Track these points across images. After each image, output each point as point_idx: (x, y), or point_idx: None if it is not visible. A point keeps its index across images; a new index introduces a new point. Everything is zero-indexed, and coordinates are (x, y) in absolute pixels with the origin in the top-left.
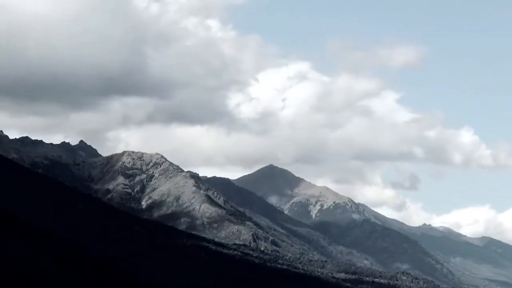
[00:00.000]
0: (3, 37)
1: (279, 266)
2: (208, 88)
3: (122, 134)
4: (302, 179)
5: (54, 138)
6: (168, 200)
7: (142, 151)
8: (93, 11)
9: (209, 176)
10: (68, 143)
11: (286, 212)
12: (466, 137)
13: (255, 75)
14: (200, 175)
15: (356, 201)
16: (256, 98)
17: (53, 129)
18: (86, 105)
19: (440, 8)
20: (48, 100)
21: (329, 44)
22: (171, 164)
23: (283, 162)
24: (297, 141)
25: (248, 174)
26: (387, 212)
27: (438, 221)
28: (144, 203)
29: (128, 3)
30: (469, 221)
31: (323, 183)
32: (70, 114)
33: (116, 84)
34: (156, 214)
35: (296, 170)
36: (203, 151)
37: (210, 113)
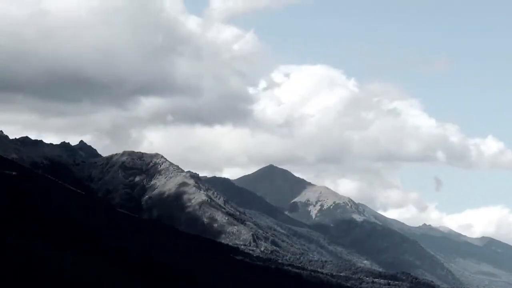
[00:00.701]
0: (37, 38)
1: (279, 266)
2: (233, 89)
3: (147, 133)
4: (302, 179)
5: (80, 136)
6: (168, 200)
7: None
8: (121, 13)
9: (209, 176)
10: (68, 143)
11: (286, 212)
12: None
13: (283, 76)
14: (205, 175)
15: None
16: (282, 99)
17: (79, 128)
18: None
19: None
20: (74, 99)
21: (359, 49)
22: (171, 164)
23: (308, 162)
24: (321, 142)
25: (248, 174)
26: (408, 213)
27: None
28: (144, 203)
29: (154, 7)
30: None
31: (346, 184)
32: (97, 112)
33: (144, 84)
34: (156, 214)
35: (319, 171)
36: (228, 151)
37: (235, 114)
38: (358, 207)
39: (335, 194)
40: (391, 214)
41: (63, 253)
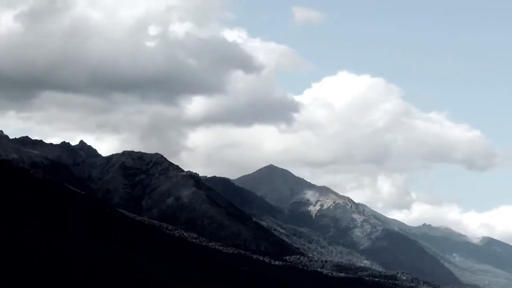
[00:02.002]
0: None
1: (279, 266)
2: (277, 90)
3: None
4: (302, 179)
5: (117, 134)
6: (168, 200)
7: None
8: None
9: (209, 176)
10: (68, 143)
11: (286, 212)
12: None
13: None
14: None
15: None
16: (321, 101)
17: (118, 125)
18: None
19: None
20: (114, 97)
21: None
22: (171, 164)
23: (356, 160)
24: (364, 142)
25: (248, 174)
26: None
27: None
28: (144, 203)
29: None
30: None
31: (384, 182)
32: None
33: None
34: (156, 214)
35: (362, 171)
36: (271, 151)
37: (277, 113)
38: (358, 207)
39: (335, 194)
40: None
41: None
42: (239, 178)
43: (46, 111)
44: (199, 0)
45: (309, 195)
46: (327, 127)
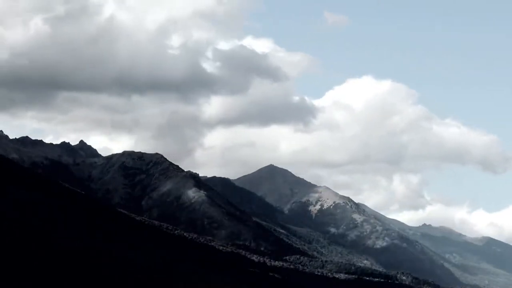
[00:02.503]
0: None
1: (279, 266)
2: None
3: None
4: (302, 179)
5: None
6: (168, 200)
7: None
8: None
9: (209, 176)
10: (68, 143)
11: (286, 212)
12: None
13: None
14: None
15: (356, 202)
16: (341, 104)
17: (141, 124)
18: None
19: None
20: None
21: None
22: (171, 164)
23: (371, 162)
24: (381, 144)
25: (248, 174)
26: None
27: None
28: (144, 203)
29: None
30: None
31: (399, 183)
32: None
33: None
34: (156, 214)
35: (378, 172)
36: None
37: (295, 115)
38: (358, 207)
39: (335, 194)
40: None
41: None
42: (239, 178)
43: (65, 111)
44: (224, 6)
45: (309, 195)
46: (345, 129)
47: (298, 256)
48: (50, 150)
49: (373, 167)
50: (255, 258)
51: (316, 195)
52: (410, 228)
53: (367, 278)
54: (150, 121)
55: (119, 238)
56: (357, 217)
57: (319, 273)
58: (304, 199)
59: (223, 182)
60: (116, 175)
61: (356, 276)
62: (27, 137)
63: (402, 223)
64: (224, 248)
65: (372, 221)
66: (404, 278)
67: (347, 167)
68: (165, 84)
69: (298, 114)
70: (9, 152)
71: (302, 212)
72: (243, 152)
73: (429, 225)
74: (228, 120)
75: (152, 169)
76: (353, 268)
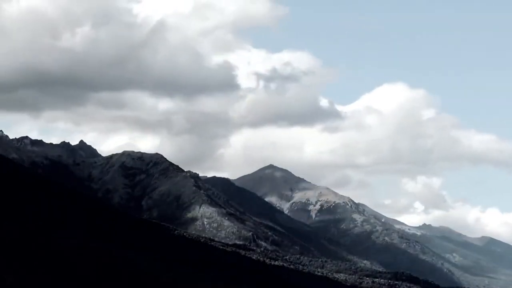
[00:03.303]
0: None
1: (279, 266)
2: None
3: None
4: (302, 179)
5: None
6: (168, 200)
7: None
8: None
9: (209, 176)
10: (68, 143)
11: (286, 212)
12: None
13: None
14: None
15: (356, 201)
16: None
17: (169, 124)
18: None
19: None
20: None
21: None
22: (171, 164)
23: (396, 164)
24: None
25: (248, 174)
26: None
27: None
28: (144, 203)
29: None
30: None
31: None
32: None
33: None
34: (156, 214)
35: (402, 174)
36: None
37: (323, 117)
38: (358, 207)
39: (335, 194)
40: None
41: None
42: (239, 178)
43: (95, 111)
44: (258, 19)
45: (309, 195)
46: (371, 132)
47: (298, 256)
48: (50, 150)
49: (397, 170)
50: (255, 258)
51: (316, 195)
52: (410, 228)
53: (367, 278)
54: (177, 122)
55: (119, 238)
56: (357, 217)
57: (319, 273)
58: (304, 199)
59: (223, 182)
60: (116, 175)
61: (356, 276)
62: (27, 137)
63: (402, 223)
64: (224, 248)
65: (372, 221)
66: (404, 278)
67: (370, 169)
68: (194, 85)
69: (326, 117)
70: (9, 152)
71: (302, 212)
72: (268, 153)
73: (429, 225)
74: (255, 121)
75: (152, 169)
76: (353, 268)
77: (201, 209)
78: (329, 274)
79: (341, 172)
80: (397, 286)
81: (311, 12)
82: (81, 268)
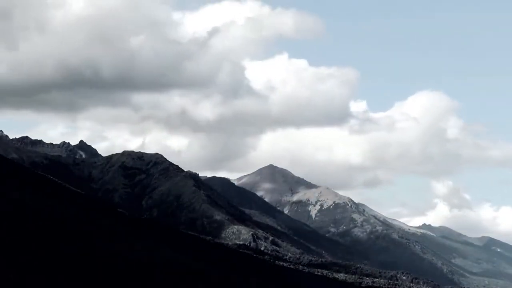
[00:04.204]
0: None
1: (279, 266)
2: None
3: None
4: (302, 179)
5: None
6: (168, 200)
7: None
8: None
9: (209, 176)
10: (68, 143)
11: (286, 212)
12: None
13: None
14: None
15: (356, 201)
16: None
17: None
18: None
19: None
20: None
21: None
22: (171, 164)
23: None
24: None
25: (248, 174)
26: None
27: None
28: (144, 203)
29: None
30: None
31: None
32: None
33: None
34: (156, 214)
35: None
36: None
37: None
38: (358, 207)
39: (335, 194)
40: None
41: None
42: (239, 178)
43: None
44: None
45: (309, 195)
46: (400, 134)
47: (298, 256)
48: (50, 150)
49: (424, 172)
50: (255, 258)
51: (316, 195)
52: (410, 228)
53: (367, 278)
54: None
55: (119, 238)
56: (357, 217)
57: (319, 273)
58: (304, 199)
59: (223, 182)
60: (116, 175)
61: (356, 276)
62: (27, 137)
63: (402, 223)
64: (224, 248)
65: (372, 221)
66: (404, 278)
67: (396, 170)
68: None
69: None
70: (9, 152)
71: (302, 212)
72: (299, 154)
73: (429, 225)
74: (285, 121)
75: (152, 169)
76: (353, 268)
77: (201, 209)
78: (329, 274)
79: (370, 173)
80: (397, 286)
81: (348, 24)
82: (81, 268)
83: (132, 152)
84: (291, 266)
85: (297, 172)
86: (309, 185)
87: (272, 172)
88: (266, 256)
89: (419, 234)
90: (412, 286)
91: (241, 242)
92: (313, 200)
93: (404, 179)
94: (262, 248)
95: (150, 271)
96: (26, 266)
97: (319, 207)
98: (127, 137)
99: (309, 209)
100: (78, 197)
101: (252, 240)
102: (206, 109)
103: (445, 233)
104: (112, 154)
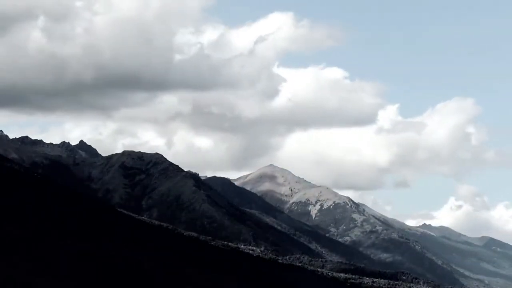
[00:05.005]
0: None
1: (279, 266)
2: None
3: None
4: (302, 179)
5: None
6: (168, 200)
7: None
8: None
9: (209, 176)
10: (68, 143)
11: (286, 212)
12: None
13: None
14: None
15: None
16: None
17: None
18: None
19: None
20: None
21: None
22: (171, 164)
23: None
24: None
25: (248, 174)
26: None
27: None
28: (144, 203)
29: None
30: None
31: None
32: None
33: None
34: (156, 214)
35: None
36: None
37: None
38: (358, 207)
39: (335, 194)
40: None
41: None
42: (239, 178)
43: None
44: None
45: (309, 195)
46: (426, 134)
47: (298, 256)
48: (50, 150)
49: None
50: (255, 258)
51: (316, 195)
52: (410, 227)
53: (367, 278)
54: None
55: (119, 238)
56: (357, 217)
57: (319, 273)
58: (304, 199)
59: (223, 182)
60: (116, 175)
61: (356, 276)
62: (27, 137)
63: (402, 223)
64: (224, 248)
65: (372, 221)
66: (404, 278)
67: (420, 173)
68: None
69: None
70: (9, 152)
71: (302, 212)
72: (325, 155)
73: (429, 224)
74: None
75: (152, 169)
76: (353, 268)
77: (201, 209)
78: (329, 274)
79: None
80: (397, 286)
81: (380, 33)
82: (81, 268)
83: (132, 152)
84: (291, 266)
85: (297, 172)
86: (309, 185)
87: (272, 172)
88: (266, 256)
89: (419, 234)
90: (412, 286)
91: (241, 242)
92: (313, 200)
93: (425, 180)
94: (262, 248)
95: (150, 272)
96: (26, 266)
97: (319, 207)
98: (153, 136)
99: (309, 209)
100: (78, 197)
101: (252, 240)
102: (242, 108)
103: (445, 232)
104: (112, 154)
